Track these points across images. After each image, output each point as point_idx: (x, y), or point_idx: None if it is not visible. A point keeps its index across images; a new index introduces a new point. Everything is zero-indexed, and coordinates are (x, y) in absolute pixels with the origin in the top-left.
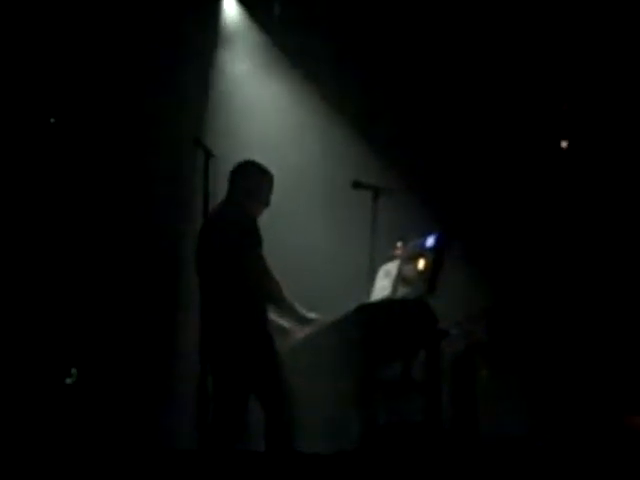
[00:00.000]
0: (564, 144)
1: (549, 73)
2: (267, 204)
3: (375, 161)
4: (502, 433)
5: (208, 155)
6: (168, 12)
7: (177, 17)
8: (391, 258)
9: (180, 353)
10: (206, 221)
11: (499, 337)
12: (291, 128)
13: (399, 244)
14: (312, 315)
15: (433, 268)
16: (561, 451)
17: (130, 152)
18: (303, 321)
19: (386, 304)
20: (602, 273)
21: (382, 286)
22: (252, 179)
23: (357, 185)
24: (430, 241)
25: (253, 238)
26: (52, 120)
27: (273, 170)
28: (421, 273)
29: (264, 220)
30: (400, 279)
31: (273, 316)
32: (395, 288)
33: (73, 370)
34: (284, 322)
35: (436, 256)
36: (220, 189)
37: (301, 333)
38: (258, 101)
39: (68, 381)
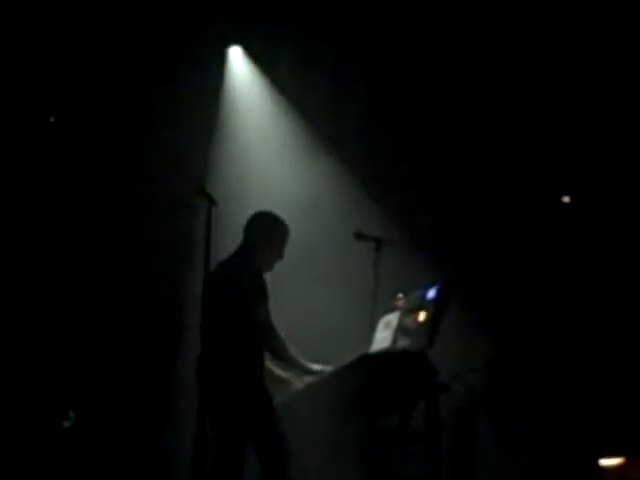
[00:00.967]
0: (566, 199)
1: (553, 127)
2: (281, 257)
3: (377, 212)
4: None
5: (211, 203)
6: (173, 58)
7: (183, 64)
8: (392, 309)
9: (178, 402)
10: (217, 270)
11: (499, 390)
12: (293, 176)
13: (400, 295)
14: (317, 367)
15: (434, 321)
16: None
17: (130, 207)
18: (308, 373)
19: (386, 355)
20: (598, 326)
21: (382, 337)
22: (268, 231)
23: (359, 236)
24: (431, 293)
25: (261, 294)
26: (52, 119)
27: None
28: (422, 325)
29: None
30: (400, 331)
31: (271, 366)
32: (395, 339)
33: (71, 413)
34: (282, 372)
35: (437, 309)
36: (221, 237)
37: (300, 383)
38: (262, 150)
39: (66, 424)
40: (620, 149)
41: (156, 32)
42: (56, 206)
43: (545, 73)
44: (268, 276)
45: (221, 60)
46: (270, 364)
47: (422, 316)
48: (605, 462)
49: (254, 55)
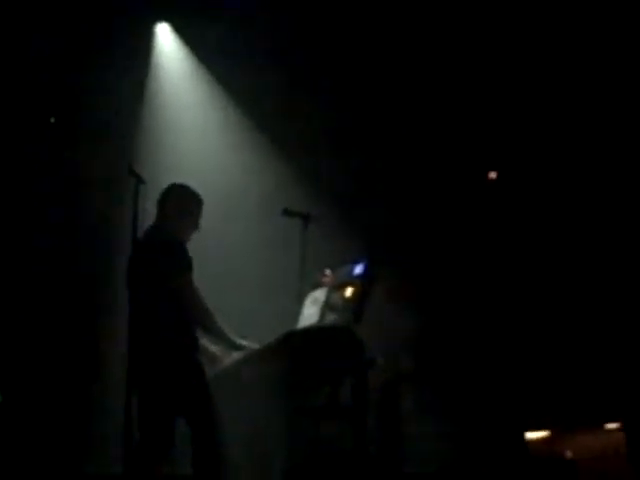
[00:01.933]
0: (493, 174)
1: (478, 101)
2: (197, 227)
3: (305, 188)
4: (426, 459)
5: (139, 181)
6: (99, 36)
7: (108, 42)
8: (319, 285)
9: (106, 375)
10: (135, 245)
11: (425, 365)
12: (220, 154)
13: (327, 271)
14: (243, 342)
15: (361, 296)
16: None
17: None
18: (234, 347)
19: (313, 331)
20: (524, 301)
21: (310, 313)
22: (181, 202)
23: (286, 212)
24: (358, 269)
25: (182, 262)
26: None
27: (203, 195)
28: (349, 301)
29: (192, 245)
30: (328, 307)
31: (203, 342)
32: (323, 315)
33: None
34: (213, 349)
35: (364, 284)
36: (149, 215)
37: (229, 360)
38: (189, 127)
39: None
40: (545, 122)
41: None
42: None
43: (469, 45)
44: (193, 251)
45: (148, 37)
46: (204, 341)
47: (349, 292)
48: (531, 435)
49: (182, 32)
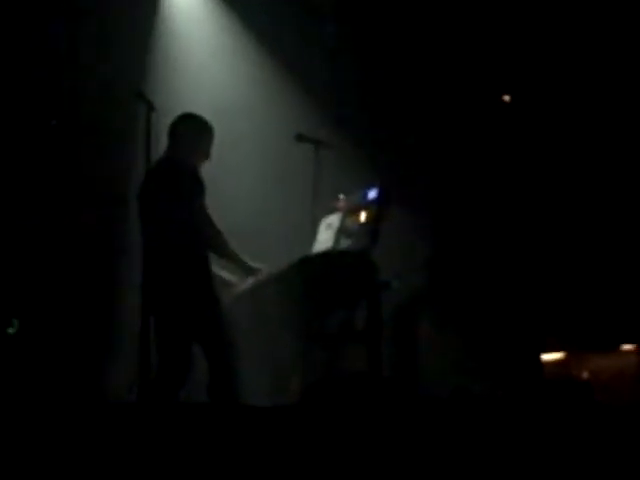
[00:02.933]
0: (506, 97)
1: (493, 26)
2: (207, 156)
3: (317, 114)
4: (441, 381)
5: (150, 108)
6: None
7: None
8: (333, 210)
9: (121, 302)
10: (147, 173)
11: (440, 289)
12: (234, 81)
13: (341, 197)
14: (256, 265)
15: (375, 220)
16: (495, 401)
17: (72, 103)
18: (247, 270)
19: (328, 256)
20: (540, 223)
21: (324, 238)
22: (192, 131)
23: (300, 138)
24: (372, 194)
25: (195, 187)
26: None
27: (215, 122)
28: (363, 225)
29: (204, 173)
30: (342, 231)
31: (216, 269)
32: (337, 240)
33: (14, 320)
34: (227, 275)
35: (378, 208)
36: (162, 143)
37: (244, 285)
38: (200, 55)
39: (10, 331)
40: (561, 46)
41: None
42: None
43: None
44: (206, 178)
45: None
46: (216, 268)
47: (363, 216)
48: (546, 357)
49: None
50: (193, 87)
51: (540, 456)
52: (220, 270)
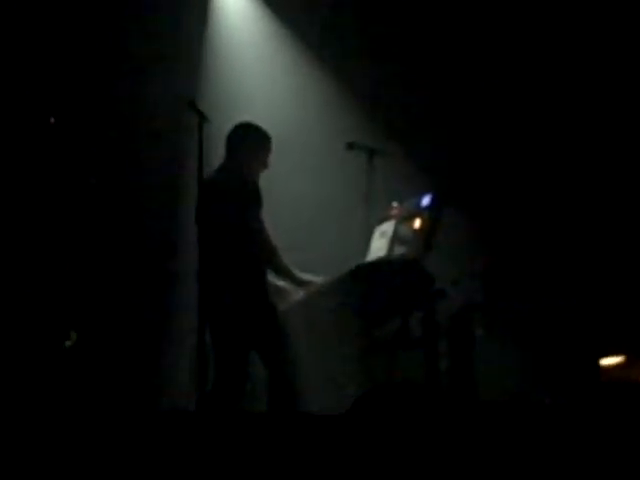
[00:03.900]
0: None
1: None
2: (266, 166)
3: (370, 122)
4: (498, 391)
5: (202, 118)
6: None
7: None
8: (387, 218)
9: (177, 314)
10: (206, 185)
11: (495, 296)
12: (287, 89)
13: (394, 204)
14: (307, 276)
15: (429, 227)
16: (554, 407)
17: (124, 115)
18: (299, 283)
19: (382, 264)
20: (598, 232)
21: (378, 246)
22: (250, 140)
23: (351, 146)
24: (426, 200)
25: (254, 201)
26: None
27: (269, 130)
28: (417, 232)
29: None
30: (396, 239)
31: (270, 277)
32: (391, 248)
33: (72, 332)
34: (281, 283)
35: (432, 215)
36: (213, 153)
37: (298, 294)
38: (251, 64)
39: (67, 344)
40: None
41: None
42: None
43: None
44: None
45: None
46: (271, 277)
47: (417, 223)
48: (605, 362)
49: None
50: (244, 97)
51: (601, 460)
52: (273, 278)
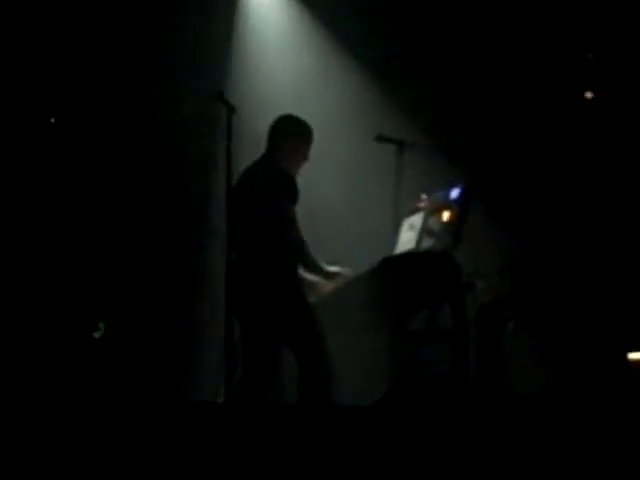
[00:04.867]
0: (589, 95)
1: (573, 21)
2: (306, 159)
3: (399, 114)
4: (527, 385)
5: (230, 110)
6: None
7: None
8: (415, 211)
9: (206, 304)
10: (243, 174)
11: (524, 289)
12: (315, 82)
13: (423, 196)
14: (334, 268)
15: (458, 220)
16: (583, 403)
17: (151, 108)
18: (327, 276)
19: (411, 256)
20: (628, 225)
21: (407, 239)
22: (293, 134)
23: (380, 139)
24: (454, 193)
25: (289, 194)
26: (52, 120)
27: None
28: (446, 225)
29: None
30: (425, 231)
31: (300, 271)
32: (420, 240)
33: (100, 324)
34: (310, 276)
35: (461, 208)
36: (242, 144)
37: (327, 287)
38: (282, 54)
39: (96, 335)
40: None
41: None
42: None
43: None
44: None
45: None
46: (300, 270)
47: (446, 216)
48: (634, 355)
49: None
50: (273, 88)
51: (629, 454)
52: (303, 271)
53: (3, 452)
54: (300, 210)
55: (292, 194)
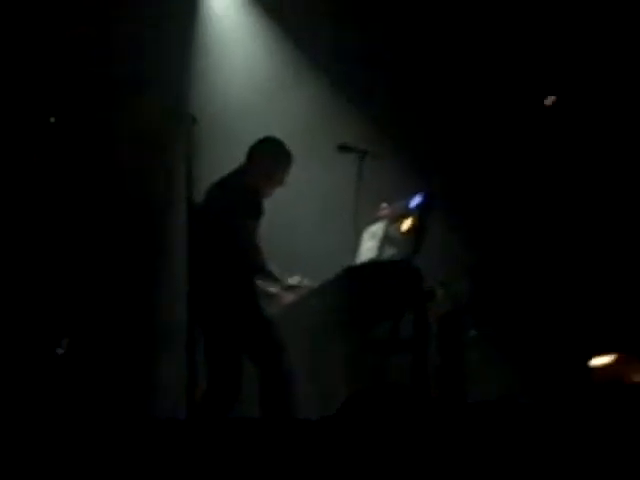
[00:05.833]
0: (549, 101)
1: (536, 26)
2: (281, 184)
3: (361, 124)
4: (488, 393)
5: (192, 121)
6: None
7: None
8: (376, 220)
9: (167, 317)
10: (213, 185)
11: (484, 295)
12: (275, 90)
13: (384, 205)
14: (294, 281)
15: (419, 228)
16: (544, 408)
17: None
18: (289, 288)
19: (373, 265)
20: (585, 227)
21: (368, 248)
22: (271, 158)
23: (343, 148)
24: (415, 201)
25: (252, 212)
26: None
27: (257, 134)
28: (407, 233)
29: None
30: (386, 240)
31: (259, 283)
32: (381, 249)
33: (64, 340)
34: (270, 288)
35: (421, 216)
36: (201, 155)
37: (288, 298)
38: (242, 62)
39: (59, 351)
40: (605, 47)
41: None
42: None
43: None
44: None
45: None
46: (259, 281)
47: (407, 224)
48: (595, 362)
49: None
50: (234, 95)
51: (590, 462)
52: (262, 283)
53: None
54: (263, 219)
55: (254, 211)
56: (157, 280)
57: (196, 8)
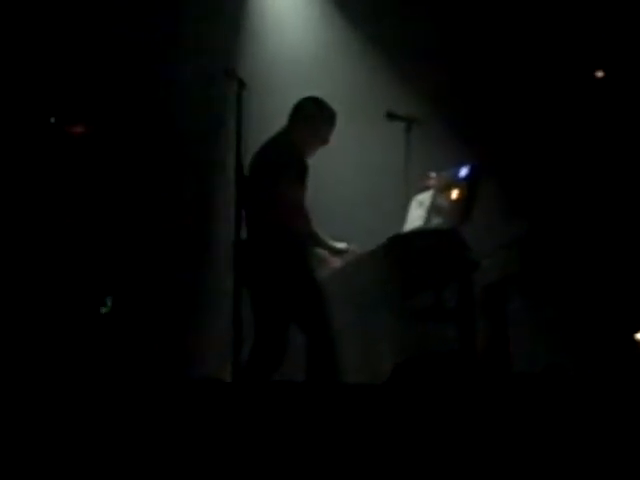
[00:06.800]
0: (600, 74)
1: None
2: (325, 143)
3: (409, 91)
4: (534, 363)
5: (241, 86)
6: None
7: None
8: (424, 189)
9: (213, 281)
10: (260, 150)
11: (532, 267)
12: (324, 58)
13: (432, 174)
14: (342, 245)
15: (466, 198)
16: (590, 380)
17: (160, 90)
18: (337, 252)
19: (419, 234)
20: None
21: (415, 216)
22: (316, 116)
23: (390, 116)
24: (463, 171)
25: (297, 175)
26: (52, 120)
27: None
28: (454, 203)
29: None
30: (433, 209)
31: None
32: (428, 218)
33: (108, 299)
34: (320, 252)
35: (469, 186)
36: (252, 120)
37: (336, 263)
38: (292, 30)
39: (103, 310)
40: None
41: None
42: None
43: None
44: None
45: None
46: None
47: (455, 194)
48: None
49: None
50: (284, 65)
51: (634, 433)
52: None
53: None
54: (310, 187)
55: (301, 173)
56: (204, 242)
57: None
